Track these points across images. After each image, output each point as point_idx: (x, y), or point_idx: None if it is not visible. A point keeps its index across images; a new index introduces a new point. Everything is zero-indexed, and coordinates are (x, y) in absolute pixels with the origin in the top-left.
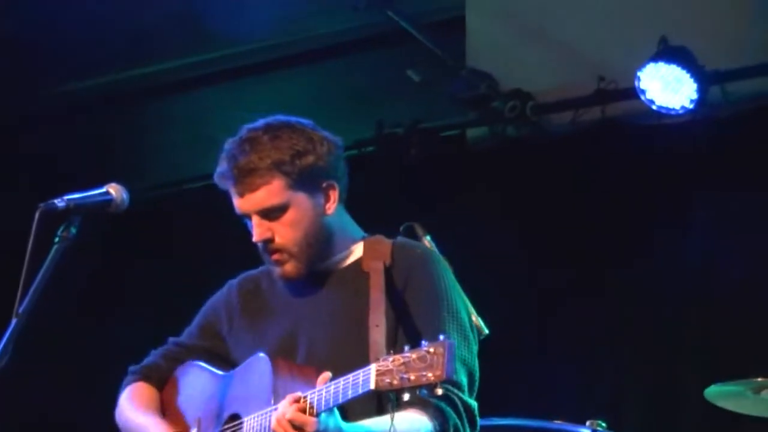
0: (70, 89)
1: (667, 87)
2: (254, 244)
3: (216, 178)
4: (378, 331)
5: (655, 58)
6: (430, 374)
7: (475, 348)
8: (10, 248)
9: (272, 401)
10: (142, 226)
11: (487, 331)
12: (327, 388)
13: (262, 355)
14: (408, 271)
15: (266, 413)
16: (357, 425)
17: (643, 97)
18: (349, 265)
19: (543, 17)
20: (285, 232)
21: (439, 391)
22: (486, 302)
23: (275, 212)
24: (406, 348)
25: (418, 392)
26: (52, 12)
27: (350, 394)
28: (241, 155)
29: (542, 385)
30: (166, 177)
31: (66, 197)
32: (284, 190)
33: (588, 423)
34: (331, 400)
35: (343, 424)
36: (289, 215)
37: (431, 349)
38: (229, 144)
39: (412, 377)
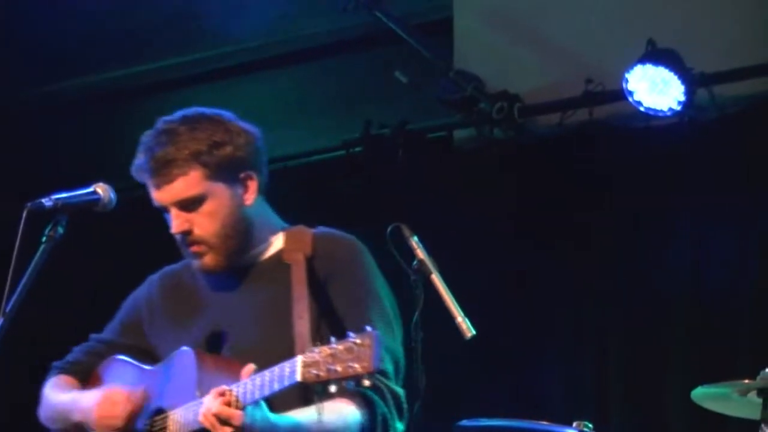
0: (60, 87)
1: (655, 89)
2: (172, 237)
3: (133, 171)
4: (302, 324)
5: (643, 60)
6: (357, 366)
7: (400, 335)
8: None
9: (197, 394)
10: (130, 225)
11: (474, 332)
12: (253, 381)
13: (185, 348)
14: (330, 262)
15: (191, 406)
16: (285, 417)
17: (630, 99)
18: (270, 257)
19: (531, 19)
20: (203, 224)
21: (367, 383)
22: (473, 303)
23: (193, 203)
24: (333, 339)
25: (345, 384)
26: (45, 10)
27: (276, 387)
28: (158, 147)
29: (529, 386)
30: None
31: (53, 196)
32: (202, 181)
33: (574, 424)
34: (257, 392)
35: (271, 416)
36: (207, 206)
37: (358, 341)
38: (146, 136)
39: (339, 369)
